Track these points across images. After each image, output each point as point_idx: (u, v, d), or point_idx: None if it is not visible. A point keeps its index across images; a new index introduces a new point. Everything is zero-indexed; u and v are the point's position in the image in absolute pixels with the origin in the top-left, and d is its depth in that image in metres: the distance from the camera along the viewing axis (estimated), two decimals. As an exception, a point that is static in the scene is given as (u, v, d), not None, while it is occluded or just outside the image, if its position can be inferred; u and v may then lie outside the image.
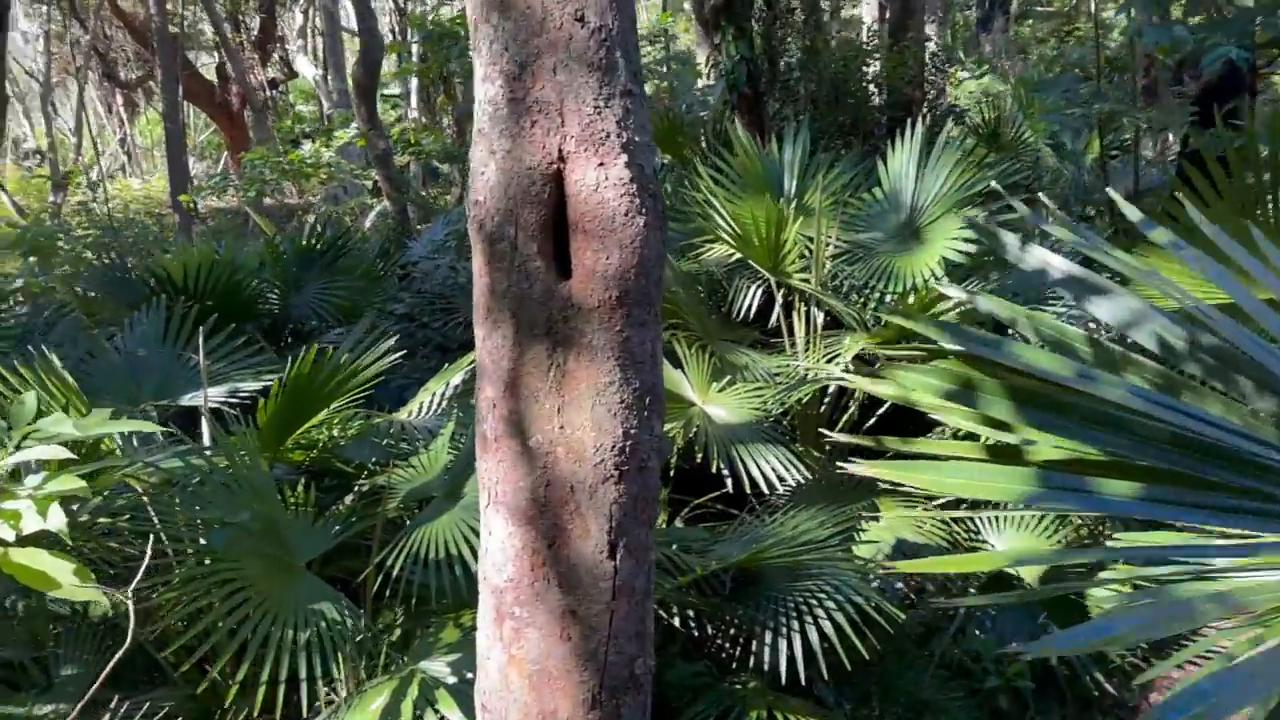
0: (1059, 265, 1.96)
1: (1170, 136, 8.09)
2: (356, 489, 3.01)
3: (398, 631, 2.94)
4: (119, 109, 24.80)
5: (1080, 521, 4.58)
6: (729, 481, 3.79)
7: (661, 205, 1.92)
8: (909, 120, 4.88)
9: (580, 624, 1.90)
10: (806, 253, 4.65)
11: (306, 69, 16.92)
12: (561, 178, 1.85)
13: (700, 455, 3.90)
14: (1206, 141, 4.96)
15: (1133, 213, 2.10)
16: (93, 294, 5.57)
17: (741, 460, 3.82)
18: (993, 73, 8.75)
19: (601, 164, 1.81)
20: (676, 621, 3.43)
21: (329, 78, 13.78)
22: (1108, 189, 3.74)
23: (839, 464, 1.84)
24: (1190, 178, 5.61)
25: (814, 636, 3.16)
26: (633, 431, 1.89)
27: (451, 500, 2.76)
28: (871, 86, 5.91)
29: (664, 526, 4.19)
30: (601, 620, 1.90)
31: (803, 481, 4.05)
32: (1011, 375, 1.68)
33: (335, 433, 3.35)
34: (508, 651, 1.95)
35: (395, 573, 2.62)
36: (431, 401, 3.58)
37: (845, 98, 5.67)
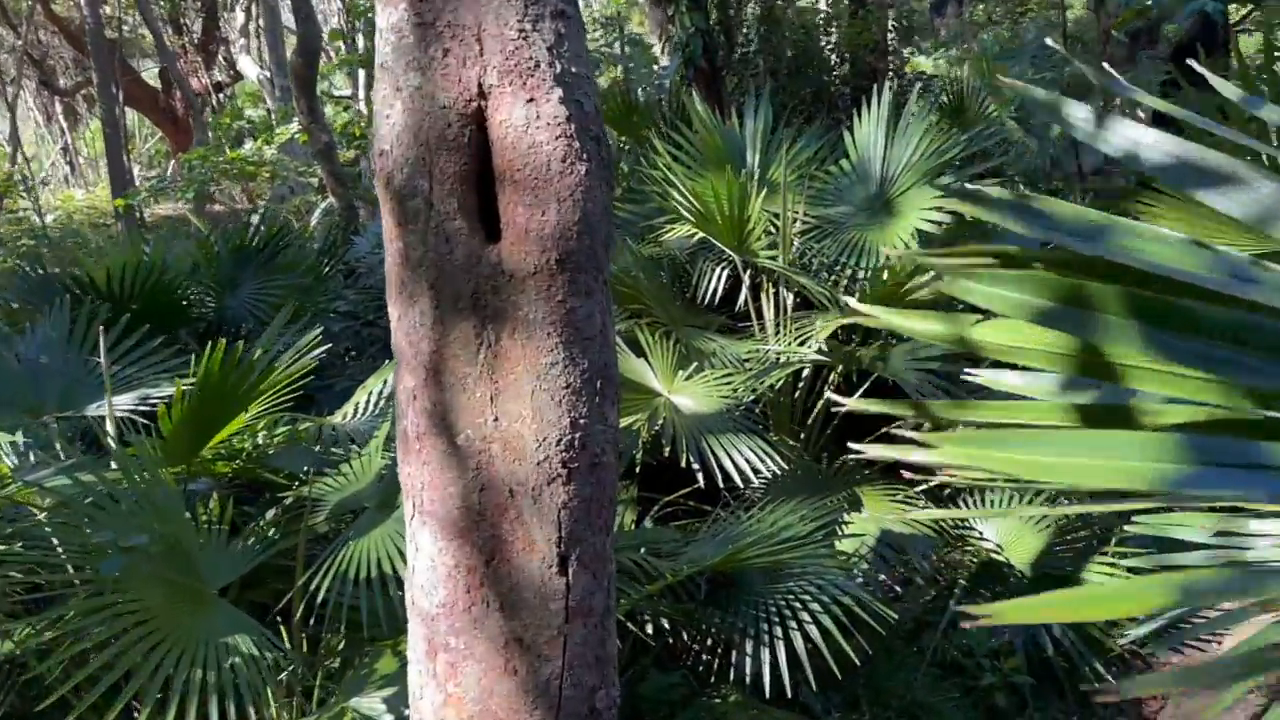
0: (1161, 145, 1.17)
1: (1140, 111, 7.92)
2: (281, 502, 2.68)
3: (337, 661, 2.61)
4: (58, 117, 24.02)
5: (1067, 503, 4.35)
6: (700, 476, 3.50)
7: (607, 152, 1.61)
8: (875, 89, 4.61)
9: (528, 653, 1.58)
10: (773, 229, 4.36)
11: (250, 69, 16.39)
12: (484, 118, 1.53)
13: (668, 449, 3.61)
14: (1182, 100, 4.74)
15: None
16: (15, 304, 5.18)
17: (713, 452, 3.53)
18: (949, 55, 8.54)
19: (531, 99, 1.50)
20: (649, 629, 3.13)
21: (272, 76, 13.30)
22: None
23: (854, 447, 1.23)
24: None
25: (799, 642, 2.87)
26: (582, 421, 1.58)
27: (385, 511, 2.43)
28: (834, 57, 5.66)
29: (631, 528, 3.88)
30: (553, 648, 1.59)
31: (779, 473, 3.77)
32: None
33: (261, 440, 3.01)
34: (443, 689, 1.63)
35: (322, 596, 2.29)
36: (369, 401, 3.25)
37: (806, 69, 5.40)
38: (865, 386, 4.24)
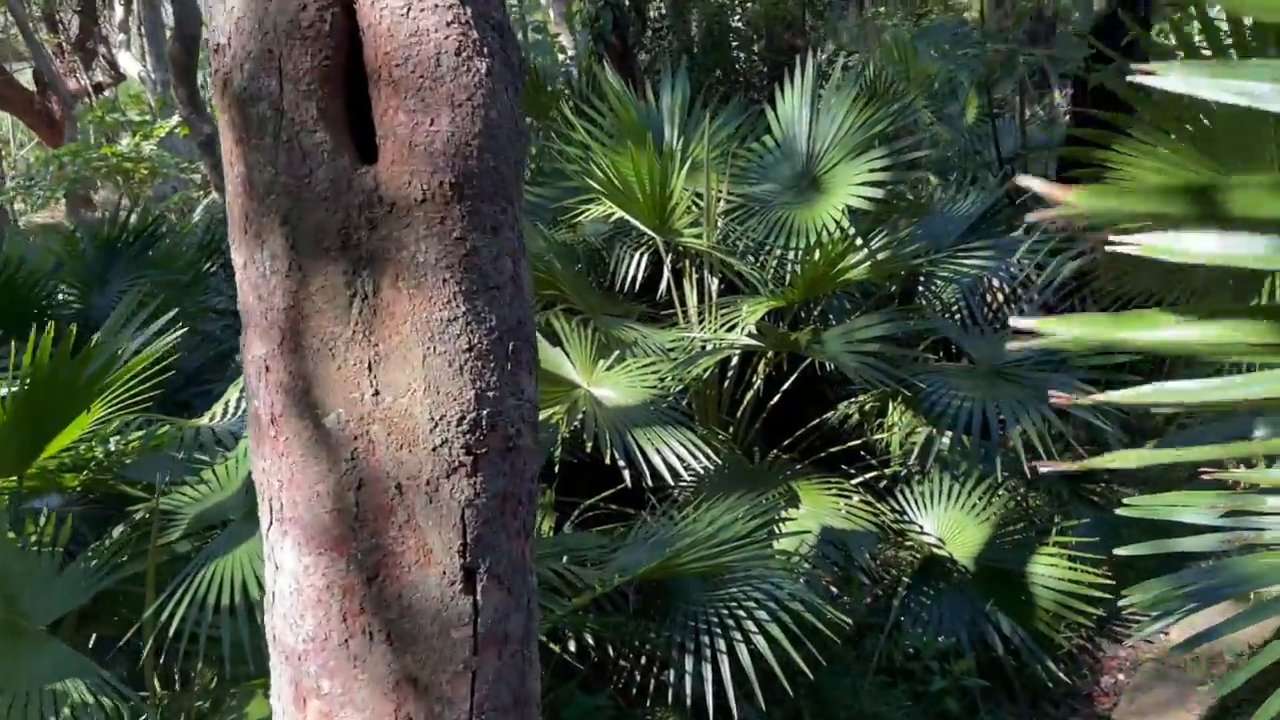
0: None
1: (1057, 98, 7.92)
2: (129, 517, 2.24)
3: (202, 703, 2.18)
4: (-79, 121, 22.37)
5: (1010, 493, 4.17)
6: (626, 474, 3.16)
7: (515, 51, 1.27)
8: (799, 63, 4.36)
9: (425, 697, 1.22)
10: (696, 208, 4.06)
11: (131, 66, 15.43)
12: (350, 0, 1.17)
13: (590, 445, 3.26)
14: (1106, 75, 4.63)
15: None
16: None
17: (639, 448, 3.20)
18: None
19: (412, -28, 1.15)
20: (573, 648, 2.78)
21: (153, 72, 12.50)
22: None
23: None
24: (1089, 117, 5.31)
25: (744, 654, 2.56)
26: (490, 394, 1.23)
27: (252, 523, 2.03)
28: (751, 33, 5.42)
29: (550, 534, 3.52)
30: (458, 687, 1.23)
31: (710, 469, 3.46)
32: None
33: (114, 446, 2.55)
34: (316, 748, 1.26)
35: (176, 626, 1.88)
36: (241, 398, 2.82)
37: (720, 46, 5.15)
38: (791, 382, 3.98)
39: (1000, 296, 5.38)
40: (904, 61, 6.48)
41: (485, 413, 1.22)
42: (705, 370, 3.70)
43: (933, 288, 4.38)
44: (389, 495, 1.20)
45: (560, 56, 7.70)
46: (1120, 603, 1.88)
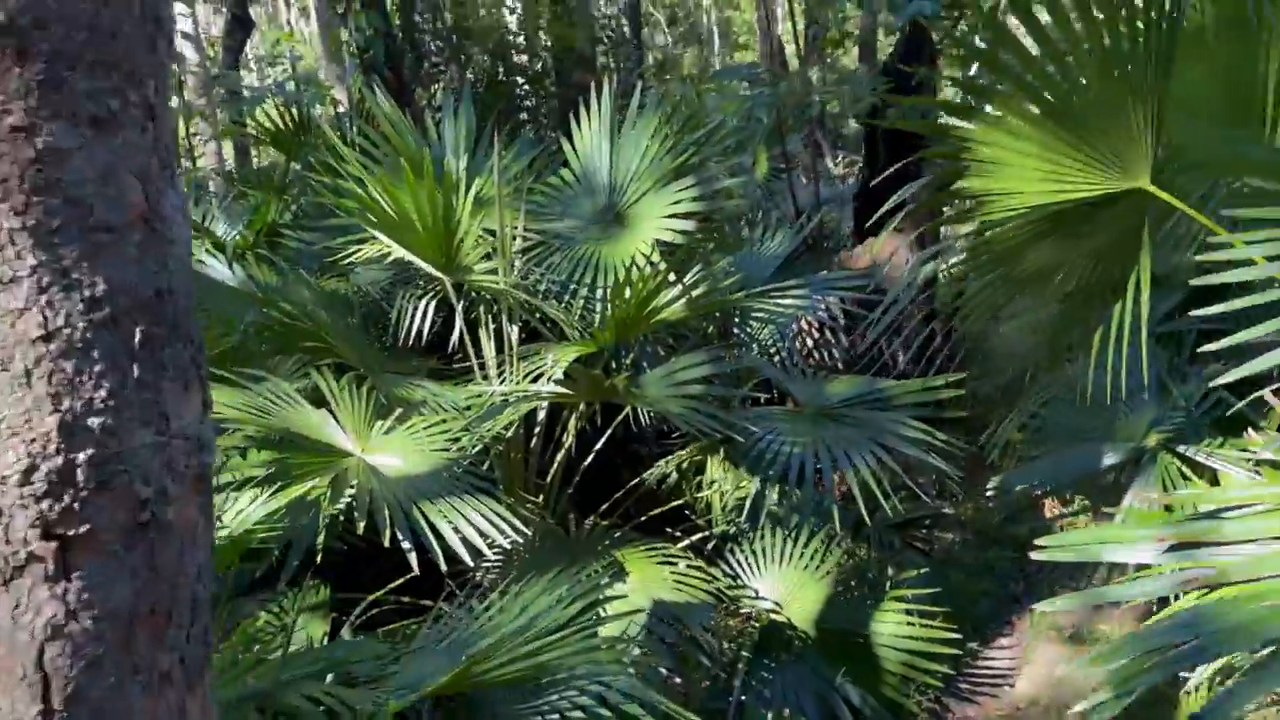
0: None
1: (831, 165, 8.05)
2: None
3: None
4: None
5: (843, 546, 3.86)
6: (413, 558, 2.55)
7: None
8: (595, 92, 4.00)
9: None
10: (488, 245, 3.56)
11: None
12: None
13: (364, 525, 2.63)
14: (905, 111, 4.56)
15: None
16: None
17: (429, 524, 2.60)
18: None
19: None
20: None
21: None
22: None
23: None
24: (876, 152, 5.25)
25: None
26: (93, 423, 0.65)
27: None
28: (540, 69, 5.06)
29: (321, 642, 2.84)
30: None
31: (520, 543, 2.91)
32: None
33: None
34: None
35: None
36: None
37: (509, 82, 4.73)
38: (604, 440, 3.51)
39: (813, 337, 5.18)
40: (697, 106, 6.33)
41: (84, 458, 0.64)
42: (509, 426, 3.16)
43: (748, 328, 4.07)
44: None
45: (333, 110, 7.06)
46: (1087, 682, 1.48)
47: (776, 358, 4.10)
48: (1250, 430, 2.78)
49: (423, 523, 2.57)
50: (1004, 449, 3.42)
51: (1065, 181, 1.94)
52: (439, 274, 3.45)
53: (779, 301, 4.14)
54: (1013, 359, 3.50)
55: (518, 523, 2.74)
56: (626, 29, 6.04)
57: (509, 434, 3.28)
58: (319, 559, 2.57)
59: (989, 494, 3.26)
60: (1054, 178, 1.93)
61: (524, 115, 4.83)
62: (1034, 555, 1.56)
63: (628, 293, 3.31)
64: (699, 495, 4.02)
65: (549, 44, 4.87)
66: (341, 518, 2.64)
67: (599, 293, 3.61)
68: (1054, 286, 2.19)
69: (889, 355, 5.47)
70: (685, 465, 3.96)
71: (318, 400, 3.08)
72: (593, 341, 3.43)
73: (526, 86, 4.83)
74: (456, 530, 2.61)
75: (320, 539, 2.46)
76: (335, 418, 2.93)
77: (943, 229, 5.72)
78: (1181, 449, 2.80)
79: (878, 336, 5.33)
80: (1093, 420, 3.05)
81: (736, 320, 4.06)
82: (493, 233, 3.54)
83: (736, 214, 6.34)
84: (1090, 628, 4.26)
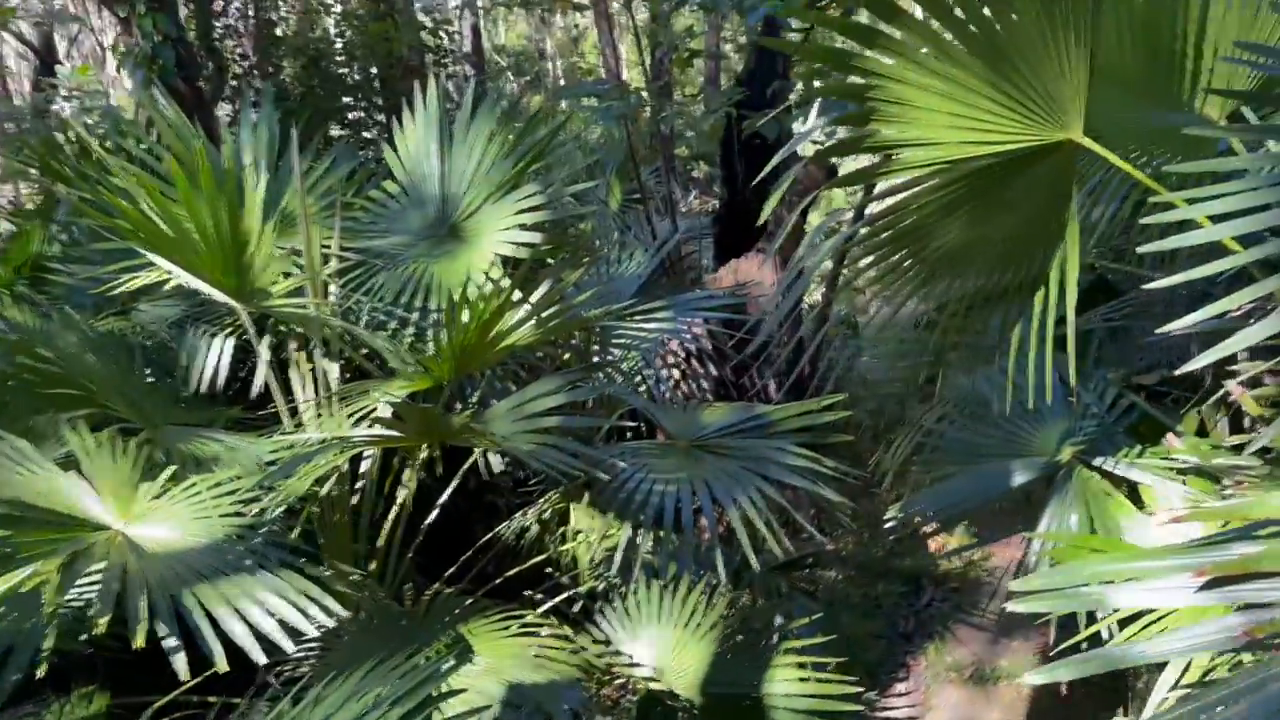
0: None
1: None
2: None
3: None
4: None
5: (731, 597, 3.43)
6: (180, 661, 1.93)
7: None
8: (420, 91, 3.49)
9: None
10: (296, 272, 2.99)
11: None
12: None
13: (132, 625, 1.99)
14: (761, 123, 4.26)
15: None
16: None
17: (208, 616, 1.99)
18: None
19: None
20: None
21: None
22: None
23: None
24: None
25: None
26: None
27: None
28: (363, 79, 4.50)
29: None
30: None
31: (341, 624, 2.32)
32: None
33: None
34: None
35: None
36: None
37: (326, 90, 4.16)
38: (451, 492, 2.97)
39: (680, 368, 4.78)
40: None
41: None
42: (323, 482, 2.58)
43: (610, 355, 3.62)
44: None
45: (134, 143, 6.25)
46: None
47: (643, 387, 3.67)
48: (1170, 436, 2.50)
49: (198, 610, 1.96)
50: (897, 475, 3.07)
51: (986, 130, 1.57)
52: (232, 302, 2.84)
53: (642, 326, 3.72)
54: (903, 369, 3.15)
55: (331, 602, 2.16)
56: (466, 43, 5.57)
57: (326, 491, 2.70)
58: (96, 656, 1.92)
59: (888, 525, 2.89)
60: (973, 125, 1.56)
61: (345, 129, 4.26)
62: (1013, 607, 1.14)
63: (466, 316, 2.80)
64: (564, 549, 3.53)
65: (372, 50, 4.34)
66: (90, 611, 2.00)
67: (433, 318, 3.08)
68: (974, 269, 1.82)
69: (761, 386, 5.14)
70: (547, 515, 3.48)
71: (75, 463, 2.42)
72: (428, 376, 2.90)
73: (347, 99, 4.27)
74: (246, 618, 2.01)
75: (49, 641, 1.82)
76: (89, 481, 2.28)
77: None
78: (1099, 461, 2.50)
79: (748, 363, 4.98)
80: (994, 436, 2.73)
81: (597, 346, 3.60)
82: (301, 253, 2.98)
83: (589, 235, 5.95)
84: (992, 665, 3.96)
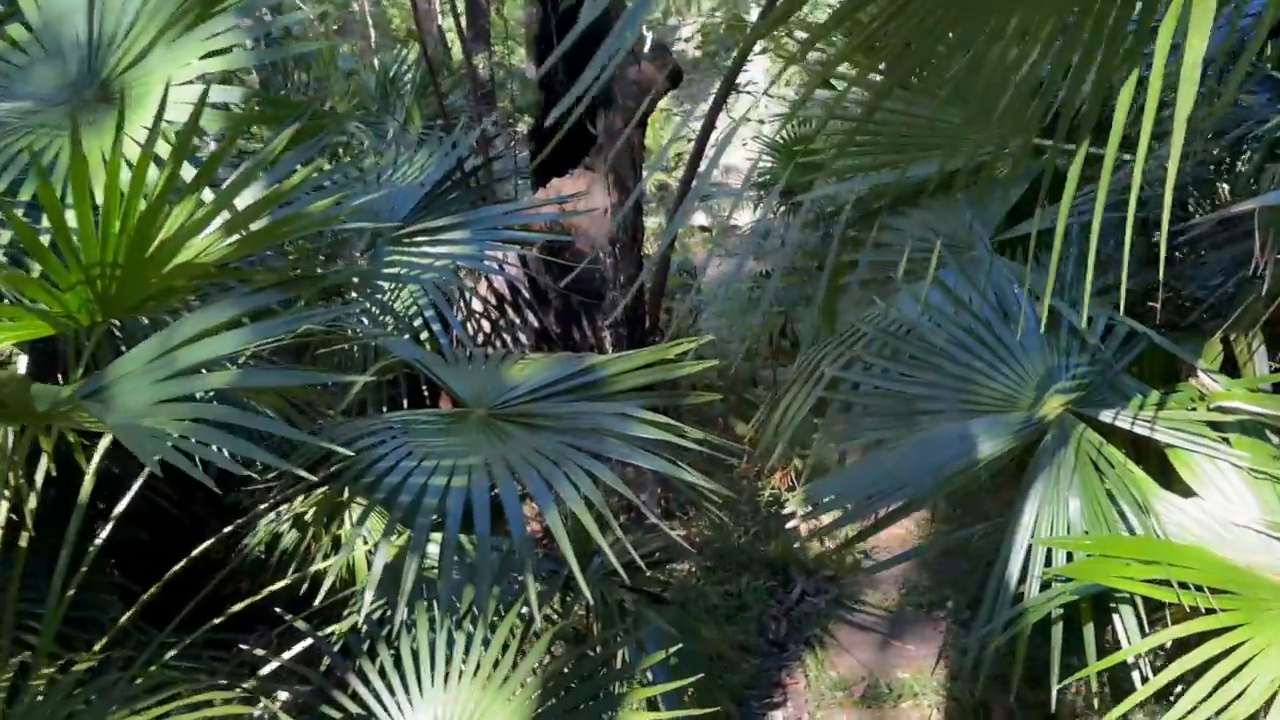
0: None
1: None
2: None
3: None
4: None
5: (557, 623, 2.47)
6: None
7: None
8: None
9: None
10: None
11: None
12: None
13: None
14: None
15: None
16: None
17: None
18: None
19: None
20: None
21: None
22: None
23: None
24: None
25: None
26: None
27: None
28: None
29: None
30: None
31: None
32: None
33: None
34: None
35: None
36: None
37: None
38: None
39: (490, 317, 3.73)
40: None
41: None
42: None
43: (374, 290, 2.53)
44: None
45: None
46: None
47: (424, 334, 2.61)
48: (1202, 375, 1.67)
49: None
50: (789, 440, 2.15)
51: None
52: None
53: (425, 249, 2.67)
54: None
55: None
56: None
57: None
58: None
59: (787, 514, 1.99)
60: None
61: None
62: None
63: (117, 225, 1.69)
64: (330, 563, 2.58)
65: None
66: None
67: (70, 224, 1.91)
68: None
69: (595, 339, 4.16)
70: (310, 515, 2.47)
71: None
72: (49, 319, 1.73)
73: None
74: None
75: None
76: None
77: (644, 169, 4.51)
78: (1104, 416, 1.65)
79: (576, 311, 3.99)
80: (940, 384, 1.83)
81: (354, 281, 2.51)
82: None
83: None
84: (888, 679, 3.15)
